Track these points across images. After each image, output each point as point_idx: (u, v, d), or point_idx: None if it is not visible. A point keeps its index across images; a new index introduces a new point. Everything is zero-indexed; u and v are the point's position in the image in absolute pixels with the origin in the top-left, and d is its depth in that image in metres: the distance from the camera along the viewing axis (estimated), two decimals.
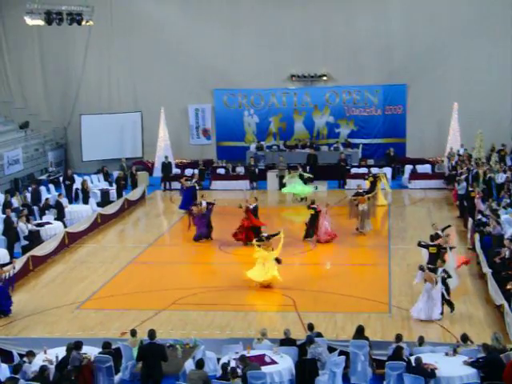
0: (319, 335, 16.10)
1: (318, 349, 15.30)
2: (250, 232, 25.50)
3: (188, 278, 22.86)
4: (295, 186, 32.72)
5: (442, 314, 18.46)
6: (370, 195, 28.21)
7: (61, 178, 36.43)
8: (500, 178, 30.92)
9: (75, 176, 35.00)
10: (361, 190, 28.42)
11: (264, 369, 14.72)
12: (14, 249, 25.38)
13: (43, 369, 14.36)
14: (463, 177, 30.47)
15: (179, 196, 32.76)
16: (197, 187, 31.65)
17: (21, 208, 28.53)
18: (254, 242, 22.00)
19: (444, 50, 38.31)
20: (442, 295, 18.53)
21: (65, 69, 41.37)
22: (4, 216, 26.48)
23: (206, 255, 25.48)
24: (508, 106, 38.45)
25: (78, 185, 33.56)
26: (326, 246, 25.85)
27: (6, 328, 18.61)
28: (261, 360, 15.12)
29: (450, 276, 18.95)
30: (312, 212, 26.22)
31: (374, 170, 34.15)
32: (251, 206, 26.18)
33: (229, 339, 16.76)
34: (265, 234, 22.36)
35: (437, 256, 20.07)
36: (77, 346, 15.15)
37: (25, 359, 15.44)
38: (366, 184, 31.23)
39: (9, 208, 27.25)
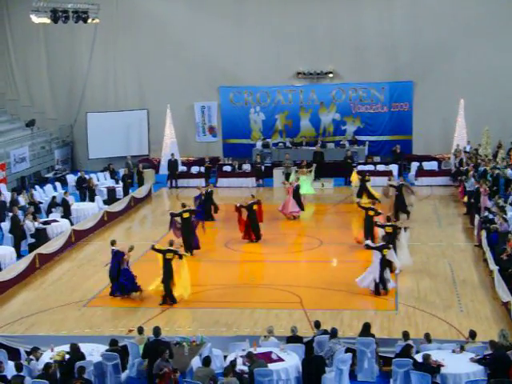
0: (325, 333, 16.09)
1: (336, 345, 15.29)
2: (249, 229, 25.92)
3: (194, 275, 22.80)
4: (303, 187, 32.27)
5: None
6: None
7: (67, 177, 36.53)
8: (510, 174, 30.79)
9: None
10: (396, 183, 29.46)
11: (271, 366, 14.72)
12: (20, 246, 25.48)
13: (48, 366, 14.39)
14: (470, 173, 30.40)
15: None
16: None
17: (27, 206, 28.62)
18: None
19: (450, 47, 38.22)
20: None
21: (71, 67, 41.44)
22: (11, 214, 26.54)
23: (213, 253, 25.46)
24: None
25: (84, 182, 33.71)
26: (332, 243, 25.83)
27: (12, 326, 18.65)
28: (267, 357, 15.11)
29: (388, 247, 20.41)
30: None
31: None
32: (249, 202, 26.13)
33: (235, 336, 16.79)
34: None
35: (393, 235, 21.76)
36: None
37: (31, 357, 15.48)
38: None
39: (16, 206, 27.32)
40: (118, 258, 20.60)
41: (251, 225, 25.91)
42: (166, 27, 40.03)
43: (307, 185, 32.09)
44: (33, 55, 41.54)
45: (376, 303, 19.73)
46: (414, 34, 38.66)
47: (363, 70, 39.14)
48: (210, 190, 29.86)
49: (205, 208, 28.56)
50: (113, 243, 21.14)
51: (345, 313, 18.84)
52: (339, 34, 39.20)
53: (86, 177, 33.79)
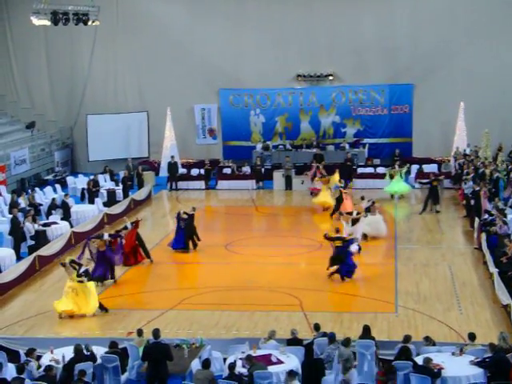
0: (325, 335, 16.07)
1: (335, 352, 15.22)
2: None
3: (194, 277, 22.90)
4: (396, 185, 32.76)
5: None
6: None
7: (67, 179, 36.58)
8: None
9: (81, 176, 34.90)
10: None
11: (270, 368, 14.71)
12: (20, 248, 25.46)
13: (48, 368, 14.37)
14: (470, 176, 30.41)
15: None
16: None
17: (27, 208, 28.61)
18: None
19: (450, 50, 38.22)
20: None
21: (71, 69, 41.42)
22: (11, 216, 26.53)
23: (213, 255, 25.44)
24: None
25: (83, 184, 33.75)
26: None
27: (12, 327, 18.64)
28: (267, 360, 15.11)
29: None
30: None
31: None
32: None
33: (235, 339, 16.76)
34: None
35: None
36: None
37: (29, 358, 15.45)
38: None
39: (15, 208, 27.32)
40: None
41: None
42: (166, 29, 40.02)
43: (401, 183, 32.67)
44: (33, 57, 41.50)
45: (376, 306, 19.73)
46: (414, 37, 38.66)
47: (363, 72, 39.13)
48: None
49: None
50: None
51: (344, 315, 18.84)
52: (339, 36, 39.19)
53: (82, 177, 33.66)
